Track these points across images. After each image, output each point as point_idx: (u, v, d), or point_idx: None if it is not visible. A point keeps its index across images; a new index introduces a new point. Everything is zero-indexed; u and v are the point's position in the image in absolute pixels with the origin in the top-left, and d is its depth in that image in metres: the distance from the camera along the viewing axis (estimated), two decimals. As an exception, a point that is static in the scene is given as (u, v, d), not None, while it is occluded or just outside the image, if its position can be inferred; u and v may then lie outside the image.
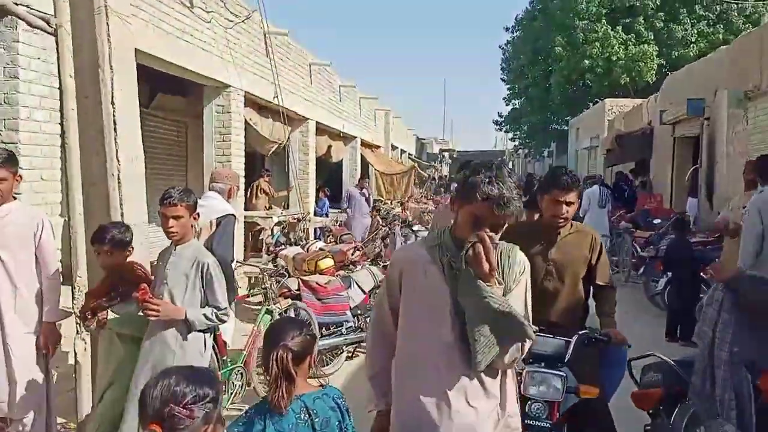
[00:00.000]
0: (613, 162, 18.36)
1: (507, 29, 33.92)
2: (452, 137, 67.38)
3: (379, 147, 20.54)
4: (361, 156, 17.62)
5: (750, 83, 10.18)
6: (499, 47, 34.85)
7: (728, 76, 11.47)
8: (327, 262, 6.92)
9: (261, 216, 9.83)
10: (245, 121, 9.30)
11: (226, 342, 4.57)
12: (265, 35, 9.89)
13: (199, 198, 4.82)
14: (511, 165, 61.57)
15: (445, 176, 40.18)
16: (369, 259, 6.95)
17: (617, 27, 26.02)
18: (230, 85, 8.69)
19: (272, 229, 9.47)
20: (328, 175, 17.13)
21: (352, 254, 7.55)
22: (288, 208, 11.84)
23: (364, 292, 5.84)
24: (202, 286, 3.24)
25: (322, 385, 2.33)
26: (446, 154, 50.69)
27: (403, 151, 28.00)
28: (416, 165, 18.59)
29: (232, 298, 4.37)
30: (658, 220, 10.58)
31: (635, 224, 11.89)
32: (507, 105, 35.27)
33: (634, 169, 17.13)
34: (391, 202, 18.29)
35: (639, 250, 10.28)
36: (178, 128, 10.28)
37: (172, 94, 9.26)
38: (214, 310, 3.24)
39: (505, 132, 38.12)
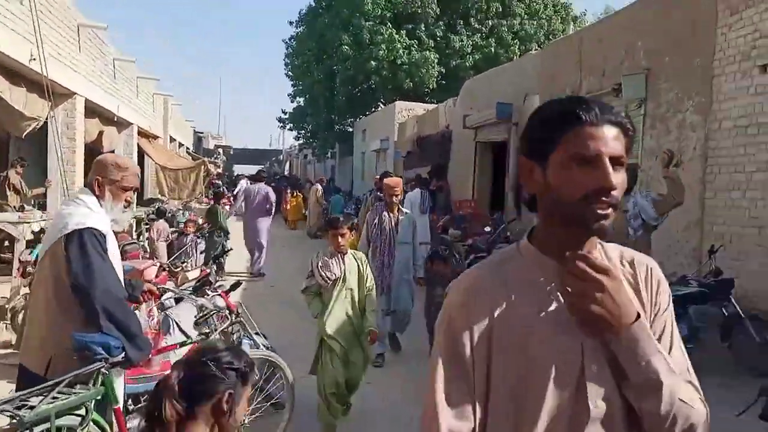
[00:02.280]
0: (413, 165, 18.12)
1: (291, 23, 32.97)
2: (226, 133, 64.34)
3: (157, 137, 17.75)
4: (138, 147, 14.86)
5: (567, 88, 10.18)
6: (283, 41, 33.74)
7: (538, 81, 11.52)
8: (123, 290, 4.86)
9: (9, 222, 7.05)
10: (-15, 86, 6.59)
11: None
12: (16, -28, 7.23)
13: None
14: (289, 165, 60.58)
15: (220, 174, 37.73)
16: (183, 284, 5.04)
17: (401, 31, 26.33)
18: (-39, 33, 6.00)
19: (28, 241, 6.84)
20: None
21: (155, 276, 5.53)
22: (47, 210, 9.06)
23: (188, 338, 3.98)
24: None
25: None
26: (221, 150, 48.02)
27: (181, 144, 25.13)
28: (205, 160, 16.34)
29: (144, 355, 3.05)
30: (488, 228, 10.05)
31: (446, 231, 11.40)
32: (292, 102, 34.03)
33: (429, 173, 16.99)
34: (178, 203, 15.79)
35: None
36: None
37: None
38: None
39: (289, 130, 36.78)
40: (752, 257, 6.27)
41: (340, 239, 4.34)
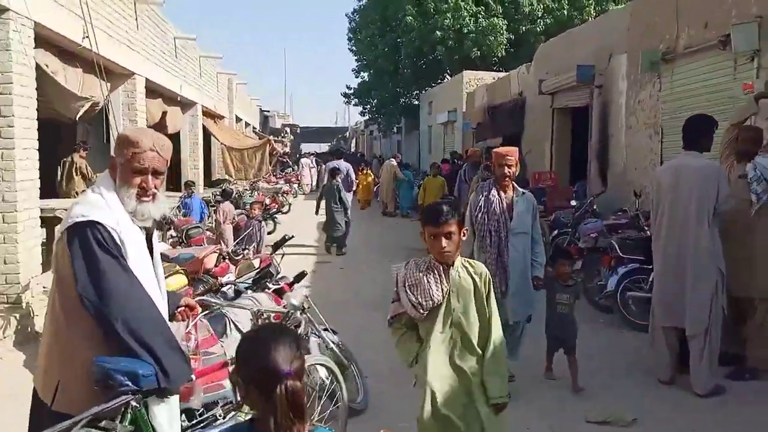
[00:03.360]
0: (485, 136, 17.25)
1: (354, -3, 32.31)
2: (292, 111, 64.77)
3: (222, 117, 17.63)
4: (203, 128, 14.71)
5: (661, 44, 9.10)
6: (346, 15, 33.24)
7: (626, 38, 10.42)
8: (178, 281, 4.46)
9: (65, 208, 6.84)
10: (37, 66, 6.31)
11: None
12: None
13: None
14: (355, 142, 60.30)
15: (288, 153, 38.01)
16: (245, 274, 4.58)
17: (466, -2, 25.17)
18: (5, 7, 5.67)
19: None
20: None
21: (215, 264, 5.11)
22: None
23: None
24: None
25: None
26: (288, 129, 48.36)
27: (247, 124, 25.11)
28: (270, 138, 16.07)
29: (182, 380, 2.40)
30: (574, 202, 9.21)
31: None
32: (356, 77, 33.51)
33: (502, 145, 16.08)
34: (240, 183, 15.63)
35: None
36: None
37: None
38: None
39: (354, 106, 36.35)
40: None
41: (443, 242, 2.66)
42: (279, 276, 4.15)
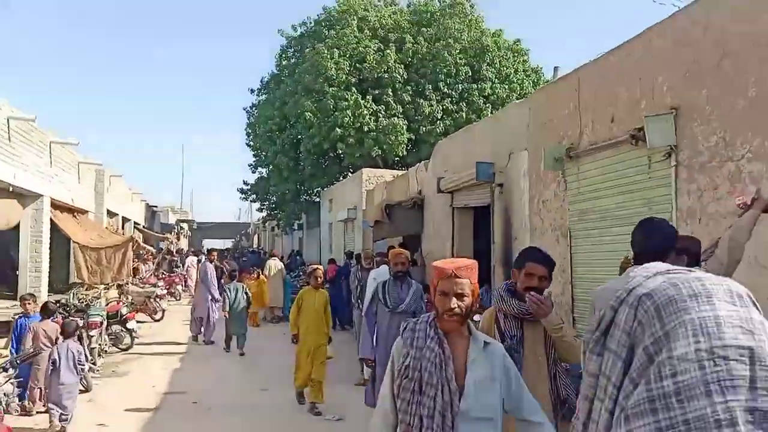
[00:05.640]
0: (383, 236, 16.03)
1: (252, 91, 31.59)
2: (192, 206, 62.07)
3: (86, 212, 15.42)
4: (54, 223, 12.52)
5: (565, 140, 8.26)
6: (244, 110, 32.31)
7: (526, 135, 9.63)
8: None
9: None
10: None
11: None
12: None
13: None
14: (257, 239, 58.18)
15: (182, 249, 35.48)
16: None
17: (367, 97, 24.89)
18: None
19: None
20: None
21: None
22: None
23: None
24: None
25: None
26: (185, 225, 45.83)
27: (126, 220, 22.73)
28: (134, 235, 14.05)
29: None
30: (478, 316, 7.82)
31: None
32: (253, 173, 32.13)
33: (401, 245, 14.90)
34: (101, 287, 13.32)
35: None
36: None
37: None
38: None
39: (251, 202, 34.68)
40: None
41: None
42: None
